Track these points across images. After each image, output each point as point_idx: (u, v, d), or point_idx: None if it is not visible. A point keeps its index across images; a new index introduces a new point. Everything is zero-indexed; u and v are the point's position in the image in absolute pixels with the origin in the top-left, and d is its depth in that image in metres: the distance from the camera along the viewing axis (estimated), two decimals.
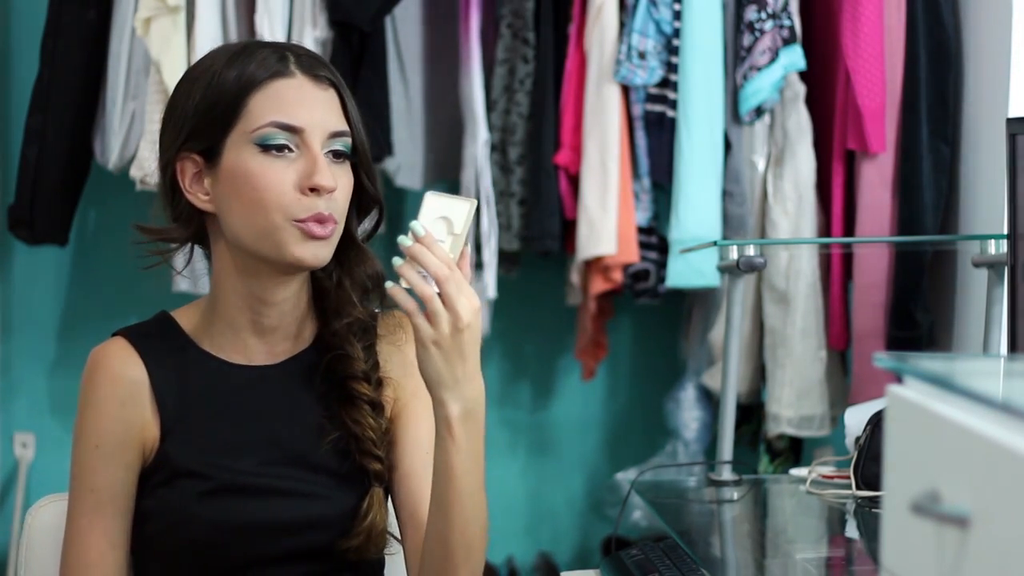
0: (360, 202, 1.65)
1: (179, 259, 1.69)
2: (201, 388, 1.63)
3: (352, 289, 1.65)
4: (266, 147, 1.56)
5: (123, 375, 1.62)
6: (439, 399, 1.49)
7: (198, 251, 1.70)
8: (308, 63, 1.60)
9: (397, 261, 1.47)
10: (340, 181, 1.58)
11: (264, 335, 1.64)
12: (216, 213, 1.60)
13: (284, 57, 1.59)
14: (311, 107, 1.58)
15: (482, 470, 1.56)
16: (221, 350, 1.65)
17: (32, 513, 1.77)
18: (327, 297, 1.66)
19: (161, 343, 1.65)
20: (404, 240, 1.47)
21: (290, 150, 1.56)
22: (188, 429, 1.61)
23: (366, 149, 1.63)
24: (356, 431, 1.62)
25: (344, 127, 1.60)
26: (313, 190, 1.55)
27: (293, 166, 1.56)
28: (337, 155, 1.59)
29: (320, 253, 1.57)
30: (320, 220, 1.56)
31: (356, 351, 1.64)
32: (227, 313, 1.64)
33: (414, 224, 1.48)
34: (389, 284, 1.47)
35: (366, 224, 1.69)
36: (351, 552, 1.61)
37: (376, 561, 1.67)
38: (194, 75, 1.62)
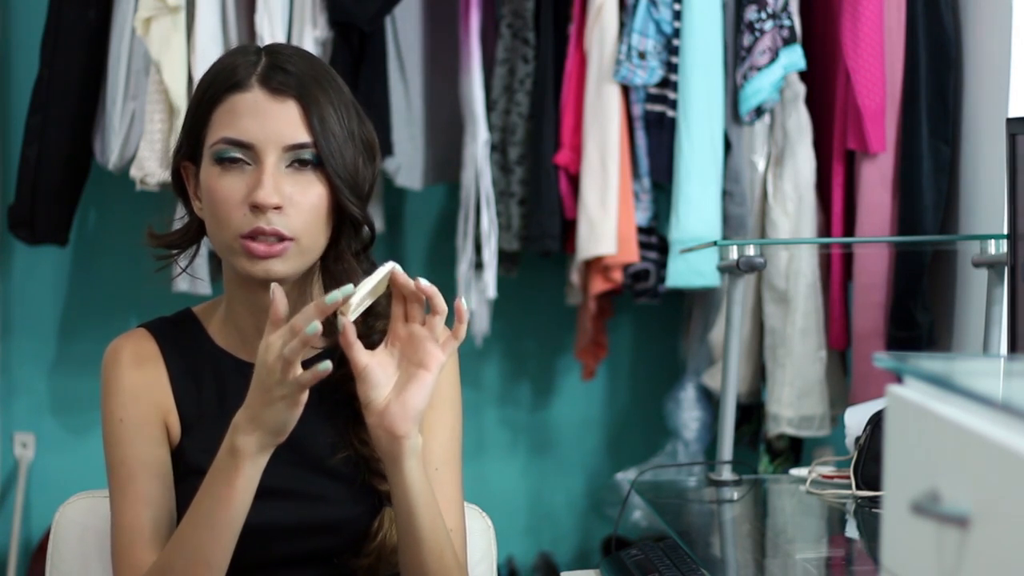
0: (343, 214, 1.59)
1: (182, 258, 1.70)
2: (217, 386, 1.64)
3: None
4: (220, 159, 1.56)
5: (145, 362, 1.64)
6: (411, 430, 1.52)
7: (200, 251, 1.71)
8: (273, 74, 1.56)
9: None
10: (300, 194, 1.55)
11: None
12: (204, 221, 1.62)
13: (253, 66, 1.57)
14: (263, 121, 1.55)
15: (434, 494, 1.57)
16: (238, 349, 1.66)
17: (61, 511, 1.79)
18: None
19: (181, 339, 1.67)
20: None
21: (247, 163, 1.56)
22: (204, 426, 1.61)
23: (336, 160, 1.57)
24: (364, 452, 1.61)
25: (304, 139, 1.56)
26: (256, 206, 1.54)
27: (244, 180, 1.55)
28: (303, 163, 1.56)
29: (273, 269, 1.55)
30: (260, 236, 1.53)
31: None
32: (236, 316, 1.65)
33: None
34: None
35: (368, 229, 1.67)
36: (361, 572, 1.62)
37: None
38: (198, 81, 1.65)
